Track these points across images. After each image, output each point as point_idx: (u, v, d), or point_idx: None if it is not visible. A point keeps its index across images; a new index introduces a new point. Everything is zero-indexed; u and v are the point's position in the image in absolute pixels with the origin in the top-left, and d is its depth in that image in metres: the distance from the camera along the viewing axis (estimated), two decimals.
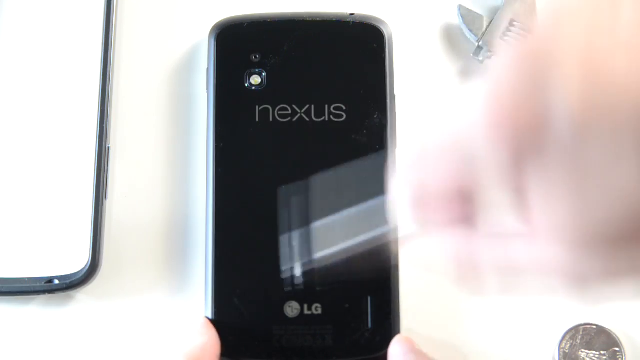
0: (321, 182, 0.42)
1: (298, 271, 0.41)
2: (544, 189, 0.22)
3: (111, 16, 0.45)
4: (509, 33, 0.44)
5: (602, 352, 0.41)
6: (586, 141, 0.21)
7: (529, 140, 0.22)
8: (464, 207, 0.25)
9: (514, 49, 0.23)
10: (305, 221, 0.42)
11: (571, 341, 0.41)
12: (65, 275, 0.41)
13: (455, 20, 0.46)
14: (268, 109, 0.43)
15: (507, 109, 0.22)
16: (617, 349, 0.41)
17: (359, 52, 0.44)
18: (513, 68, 0.22)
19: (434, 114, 0.45)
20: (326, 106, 0.43)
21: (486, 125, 0.22)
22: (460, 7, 0.45)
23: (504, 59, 0.23)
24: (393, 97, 0.43)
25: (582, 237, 0.22)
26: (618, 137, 0.21)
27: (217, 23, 0.44)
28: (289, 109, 0.43)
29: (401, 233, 0.29)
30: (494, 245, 0.25)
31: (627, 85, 0.20)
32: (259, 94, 0.43)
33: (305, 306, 0.41)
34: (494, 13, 0.45)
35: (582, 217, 0.22)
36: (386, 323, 0.40)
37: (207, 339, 0.39)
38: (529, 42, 0.22)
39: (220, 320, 0.40)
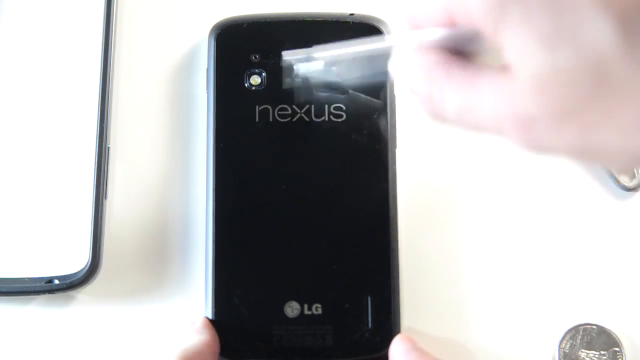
0: (321, 182, 0.42)
1: (298, 271, 0.41)
2: (523, 15, 0.24)
3: (111, 16, 0.45)
4: None
5: (602, 352, 0.41)
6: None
7: None
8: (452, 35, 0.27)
9: None
10: (306, 221, 0.42)
11: (571, 341, 0.41)
12: (65, 275, 0.41)
13: None
14: (268, 109, 0.43)
15: None
16: (617, 349, 0.41)
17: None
18: None
19: None
20: (326, 106, 0.43)
21: None
22: None
23: None
24: (393, 97, 0.43)
25: (544, 72, 0.24)
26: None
27: (217, 23, 0.44)
28: (289, 109, 0.43)
29: (390, 42, 0.30)
30: (465, 74, 0.27)
31: None
32: (258, 94, 0.43)
33: (306, 306, 0.41)
34: None
35: (549, 53, 0.23)
36: (386, 323, 0.40)
37: (206, 338, 0.39)
38: None
39: (220, 320, 0.40)
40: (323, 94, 0.42)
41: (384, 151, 0.42)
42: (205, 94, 0.44)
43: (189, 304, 0.43)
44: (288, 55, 0.37)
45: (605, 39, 0.23)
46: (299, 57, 0.36)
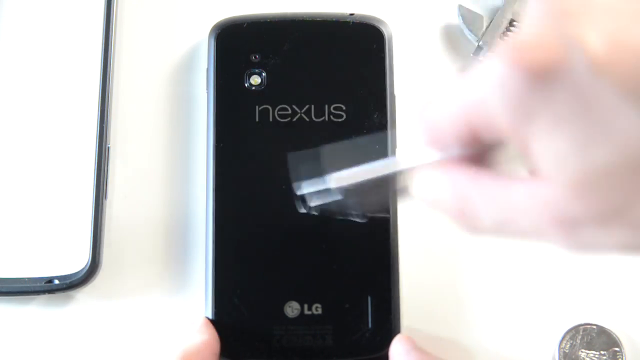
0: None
1: (298, 271, 0.41)
2: (552, 122, 0.23)
3: (111, 16, 0.45)
4: (509, 33, 0.45)
5: (602, 352, 0.41)
6: (600, 83, 0.21)
7: (546, 68, 0.22)
8: (474, 145, 0.26)
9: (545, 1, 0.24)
10: (305, 221, 0.42)
11: (571, 341, 0.41)
12: (65, 275, 0.41)
13: (455, 20, 0.46)
14: (268, 109, 0.43)
15: (529, 39, 0.23)
16: (617, 349, 0.41)
17: (358, 52, 0.44)
18: (540, 9, 0.23)
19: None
20: (326, 106, 0.43)
21: (506, 54, 0.23)
22: (460, 7, 0.45)
23: (532, 4, 0.24)
24: (393, 97, 0.43)
25: (582, 175, 0.23)
26: (632, 91, 0.21)
27: (217, 23, 0.44)
28: (289, 109, 0.43)
29: (409, 163, 0.29)
30: (497, 185, 0.26)
31: None
32: (258, 94, 0.43)
33: (306, 306, 0.41)
34: (494, 13, 0.45)
35: (584, 155, 0.22)
36: (386, 323, 0.40)
37: (206, 338, 0.39)
38: None
39: (220, 320, 0.40)
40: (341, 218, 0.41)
41: (384, 151, 0.42)
42: (205, 94, 0.44)
43: (189, 304, 0.43)
44: (304, 188, 0.36)
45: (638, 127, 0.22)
46: (315, 189, 0.35)
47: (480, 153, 0.27)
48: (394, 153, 0.42)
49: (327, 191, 0.34)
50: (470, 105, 0.25)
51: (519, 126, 0.23)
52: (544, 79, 0.22)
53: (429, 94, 0.28)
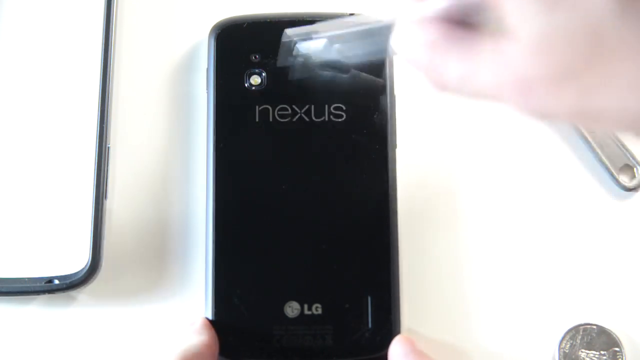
0: (321, 182, 0.42)
1: (298, 271, 0.41)
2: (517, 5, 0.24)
3: (111, 16, 0.45)
4: None
5: (602, 352, 0.41)
6: None
7: None
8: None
9: None
10: (305, 221, 0.42)
11: (571, 341, 0.41)
12: (65, 275, 0.41)
13: None
14: (268, 109, 0.43)
15: None
16: (617, 349, 0.41)
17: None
18: None
19: (434, 114, 0.45)
20: (326, 106, 0.43)
21: None
22: None
23: None
24: (393, 97, 0.43)
25: (543, 33, 0.24)
26: None
27: (217, 23, 0.44)
28: (289, 109, 0.43)
29: (391, 17, 0.30)
30: (466, 41, 0.27)
31: None
32: (258, 94, 0.43)
33: (306, 306, 0.41)
34: None
35: (547, 15, 0.24)
36: (386, 323, 0.40)
37: (205, 339, 0.39)
38: None
39: (220, 321, 0.40)
40: (324, 73, 0.41)
41: (384, 151, 0.42)
42: (205, 94, 0.44)
43: (188, 304, 0.43)
44: (290, 33, 0.36)
45: (602, 1, 0.23)
46: (301, 33, 0.36)
47: (461, 17, 0.28)
48: (393, 152, 0.42)
49: (313, 38, 0.34)
50: None
51: None
52: None
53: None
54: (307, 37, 0.35)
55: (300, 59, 0.39)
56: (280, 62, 0.40)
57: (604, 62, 0.24)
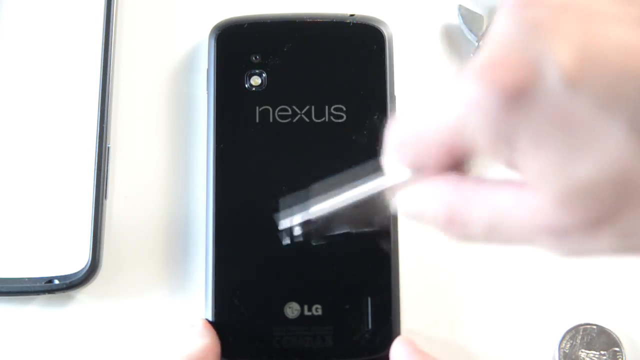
0: (321, 182, 0.42)
1: (298, 272, 0.41)
2: (533, 140, 0.23)
3: (111, 16, 0.45)
4: None
5: (602, 352, 0.41)
6: (576, 98, 0.21)
7: (520, 88, 0.22)
8: (455, 152, 0.26)
9: (510, 9, 0.23)
10: (306, 222, 0.42)
11: (571, 341, 0.41)
12: (65, 275, 0.41)
13: (455, 20, 0.46)
14: (268, 109, 0.43)
15: (500, 58, 0.23)
16: (617, 349, 0.41)
17: (359, 53, 0.44)
18: (508, 23, 0.23)
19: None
20: (326, 107, 0.43)
21: (478, 74, 0.23)
22: (460, 7, 0.45)
23: (501, 16, 0.24)
24: (393, 97, 0.43)
25: (566, 189, 0.23)
26: (609, 103, 0.21)
27: (218, 24, 0.44)
28: (289, 109, 0.43)
29: (390, 181, 0.29)
30: (483, 191, 0.25)
31: (626, 59, 0.21)
32: (259, 94, 0.43)
33: (306, 307, 0.40)
34: (494, 13, 0.45)
35: (568, 170, 0.22)
36: (386, 324, 0.40)
37: (207, 341, 0.39)
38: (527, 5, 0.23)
39: (220, 321, 0.40)
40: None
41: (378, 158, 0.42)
42: (206, 95, 0.44)
43: (189, 305, 0.43)
44: (285, 223, 0.36)
45: (621, 143, 0.22)
46: (297, 222, 0.35)
47: (456, 162, 0.26)
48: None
49: (308, 221, 0.34)
50: (447, 126, 0.25)
51: (500, 146, 0.23)
52: (518, 98, 0.22)
53: (402, 113, 0.28)
54: (303, 224, 0.35)
55: (300, 237, 0.39)
56: (284, 242, 0.40)
57: (636, 205, 0.22)
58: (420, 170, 0.27)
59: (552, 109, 0.22)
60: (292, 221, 0.36)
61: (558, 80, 0.21)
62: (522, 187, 0.24)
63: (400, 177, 0.28)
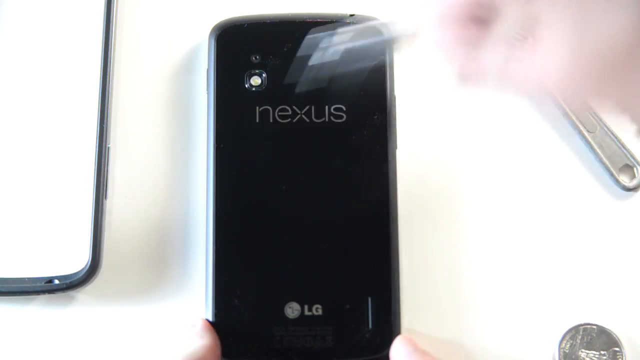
0: (321, 182, 0.42)
1: (298, 272, 0.41)
2: (551, 14, 0.25)
3: (111, 16, 0.45)
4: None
5: (602, 352, 0.41)
6: None
7: None
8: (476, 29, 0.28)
9: None
10: (306, 221, 0.42)
11: (571, 341, 0.41)
12: (65, 275, 0.41)
13: None
14: (268, 110, 0.43)
15: None
16: (617, 349, 0.41)
17: (359, 53, 0.44)
18: None
19: (434, 114, 0.46)
20: (326, 107, 0.43)
21: None
22: None
23: None
24: (393, 97, 0.43)
25: (581, 57, 0.25)
26: None
27: (218, 24, 0.44)
28: (289, 110, 0.43)
29: (407, 29, 0.31)
30: (499, 46, 0.27)
31: None
32: (259, 95, 0.43)
33: (306, 307, 0.40)
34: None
35: (582, 40, 0.24)
36: (387, 323, 0.40)
37: (207, 341, 0.39)
38: None
39: (220, 321, 0.40)
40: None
41: (384, 151, 0.42)
42: (206, 95, 0.44)
43: (189, 305, 0.43)
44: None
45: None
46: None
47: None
48: (393, 152, 0.43)
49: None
50: None
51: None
52: None
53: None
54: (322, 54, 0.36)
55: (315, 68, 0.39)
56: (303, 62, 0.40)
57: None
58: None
59: None
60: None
61: None
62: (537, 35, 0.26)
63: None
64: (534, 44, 0.26)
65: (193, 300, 0.42)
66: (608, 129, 0.44)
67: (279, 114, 0.43)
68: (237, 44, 0.44)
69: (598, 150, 0.44)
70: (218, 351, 0.39)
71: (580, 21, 0.24)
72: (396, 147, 0.43)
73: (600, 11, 0.24)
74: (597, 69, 0.25)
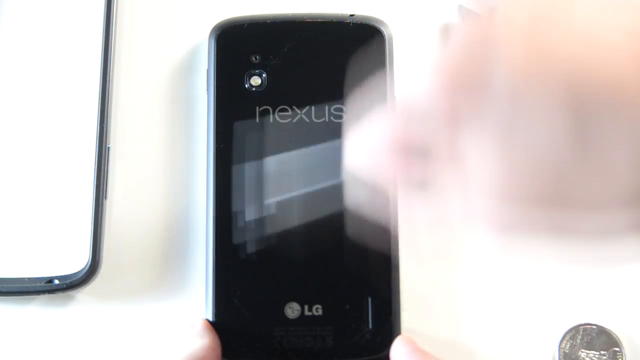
0: (321, 182, 0.42)
1: (298, 272, 0.41)
2: (478, 146, 0.25)
3: (111, 16, 0.45)
4: None
5: (602, 352, 0.41)
6: (519, 104, 0.24)
7: (468, 98, 0.25)
8: (416, 163, 0.28)
9: (468, 26, 0.26)
10: (306, 222, 0.42)
11: (571, 341, 0.41)
12: (65, 275, 0.41)
13: (456, 20, 0.46)
14: (268, 109, 0.43)
15: (452, 71, 0.25)
16: (617, 349, 0.41)
17: (359, 53, 0.44)
18: (464, 39, 0.26)
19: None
20: (326, 107, 0.43)
21: (433, 86, 0.26)
22: (460, 7, 0.45)
23: (457, 33, 0.26)
24: (393, 97, 0.43)
25: (509, 192, 0.25)
26: (548, 104, 0.23)
27: (218, 24, 0.44)
28: (289, 109, 0.43)
29: (352, 195, 0.31)
30: (431, 198, 0.28)
31: (561, 58, 0.23)
32: (259, 95, 0.43)
33: (306, 307, 0.40)
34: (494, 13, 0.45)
35: (509, 174, 0.25)
36: (387, 323, 0.40)
37: (207, 341, 0.39)
38: (480, 22, 0.26)
39: (220, 322, 0.40)
40: None
41: None
42: (206, 95, 0.44)
43: (189, 305, 0.43)
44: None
45: (559, 125, 0.23)
46: None
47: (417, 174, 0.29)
48: None
49: None
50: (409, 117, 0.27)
51: (449, 132, 0.26)
52: (467, 91, 0.24)
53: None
54: None
55: None
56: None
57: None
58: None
59: (498, 115, 0.24)
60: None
61: (505, 74, 0.24)
62: (467, 189, 0.26)
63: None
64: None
65: (193, 300, 0.42)
66: None
67: (279, 114, 0.43)
68: (237, 44, 0.44)
69: None
70: (218, 351, 0.39)
71: (506, 149, 0.24)
72: None
73: (529, 138, 0.24)
74: (528, 200, 0.25)
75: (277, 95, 0.43)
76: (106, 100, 0.43)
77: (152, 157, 0.45)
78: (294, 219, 0.42)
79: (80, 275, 0.41)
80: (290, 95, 0.43)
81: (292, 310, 0.40)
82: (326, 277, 0.41)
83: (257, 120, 0.43)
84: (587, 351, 0.41)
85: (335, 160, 0.42)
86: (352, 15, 0.44)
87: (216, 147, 0.42)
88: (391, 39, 0.44)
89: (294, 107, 0.43)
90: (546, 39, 0.23)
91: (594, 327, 0.42)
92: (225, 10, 0.46)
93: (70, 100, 0.45)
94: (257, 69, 0.43)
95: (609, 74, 0.23)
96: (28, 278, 0.41)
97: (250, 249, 0.41)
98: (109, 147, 0.43)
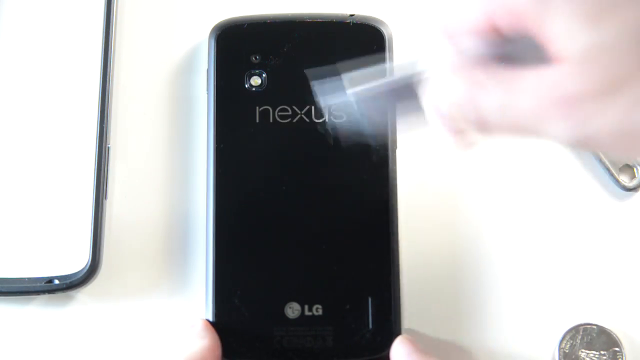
0: (321, 182, 0.42)
1: (298, 272, 0.41)
2: (564, 3, 0.25)
3: (111, 17, 0.45)
4: None
5: (602, 352, 0.41)
6: None
7: None
8: (491, 40, 0.28)
9: None
10: (306, 221, 0.42)
11: (571, 341, 0.41)
12: (65, 275, 0.41)
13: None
14: (268, 110, 0.43)
15: None
16: (617, 349, 0.41)
17: (359, 53, 0.44)
18: None
19: None
20: (326, 107, 0.43)
21: None
22: None
23: None
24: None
25: (591, 46, 0.25)
26: None
27: (217, 24, 0.44)
28: (289, 110, 0.43)
29: (425, 67, 0.30)
30: (506, 72, 0.27)
31: None
32: (259, 95, 0.43)
33: (306, 307, 0.40)
34: None
35: (593, 27, 0.24)
36: (387, 323, 0.40)
37: (207, 341, 0.39)
38: None
39: (220, 322, 0.40)
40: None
41: (384, 152, 0.42)
42: (206, 95, 0.44)
43: (189, 305, 0.43)
44: (319, 83, 0.36)
45: None
46: (330, 86, 0.35)
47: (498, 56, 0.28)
48: (394, 153, 0.42)
49: (341, 91, 0.34)
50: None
51: (537, 5, 0.25)
52: None
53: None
54: (335, 93, 0.34)
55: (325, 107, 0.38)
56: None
57: None
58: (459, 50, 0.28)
59: None
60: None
61: None
62: (547, 65, 0.26)
63: (439, 62, 0.29)
64: (539, 70, 0.26)
65: (193, 300, 0.42)
66: None
67: (279, 114, 0.43)
68: (237, 44, 0.44)
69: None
70: (218, 351, 0.39)
71: (592, 14, 0.25)
72: (396, 147, 0.43)
73: (612, 3, 0.24)
74: (608, 67, 0.24)
75: (277, 95, 0.43)
76: (106, 100, 0.43)
77: (152, 157, 0.45)
78: (294, 219, 0.42)
79: (80, 275, 0.41)
80: (290, 95, 0.43)
81: (292, 310, 0.40)
82: (326, 277, 0.41)
83: (257, 120, 0.43)
84: (587, 351, 0.41)
85: (335, 160, 0.42)
86: (352, 15, 0.44)
87: (216, 147, 0.42)
88: (391, 39, 0.44)
89: (294, 107, 0.43)
90: None
91: (594, 327, 0.42)
92: (225, 10, 0.46)
93: (70, 100, 0.45)
94: (257, 69, 0.43)
95: None
96: (28, 278, 0.41)
97: (251, 248, 0.41)
98: (109, 147, 0.43)
